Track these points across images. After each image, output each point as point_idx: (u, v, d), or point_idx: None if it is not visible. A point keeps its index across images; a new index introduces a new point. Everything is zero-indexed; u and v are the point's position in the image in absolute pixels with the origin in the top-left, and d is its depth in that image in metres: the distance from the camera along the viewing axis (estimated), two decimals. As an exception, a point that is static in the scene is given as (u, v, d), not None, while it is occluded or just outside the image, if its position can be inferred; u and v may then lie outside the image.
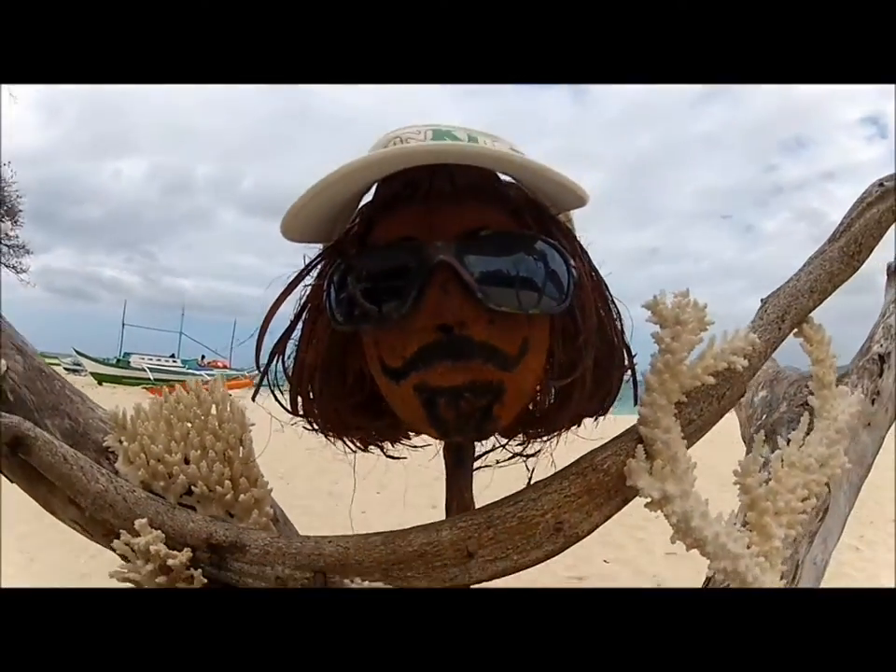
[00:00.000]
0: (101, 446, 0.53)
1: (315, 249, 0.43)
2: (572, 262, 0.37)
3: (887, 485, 4.32)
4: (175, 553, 0.41)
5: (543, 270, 0.37)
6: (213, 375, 0.66)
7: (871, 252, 0.63)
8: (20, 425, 0.46)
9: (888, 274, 0.89)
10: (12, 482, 0.57)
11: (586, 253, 0.42)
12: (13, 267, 12.36)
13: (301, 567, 0.37)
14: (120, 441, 0.51)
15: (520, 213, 0.38)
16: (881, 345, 0.76)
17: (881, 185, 0.68)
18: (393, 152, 0.32)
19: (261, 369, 0.43)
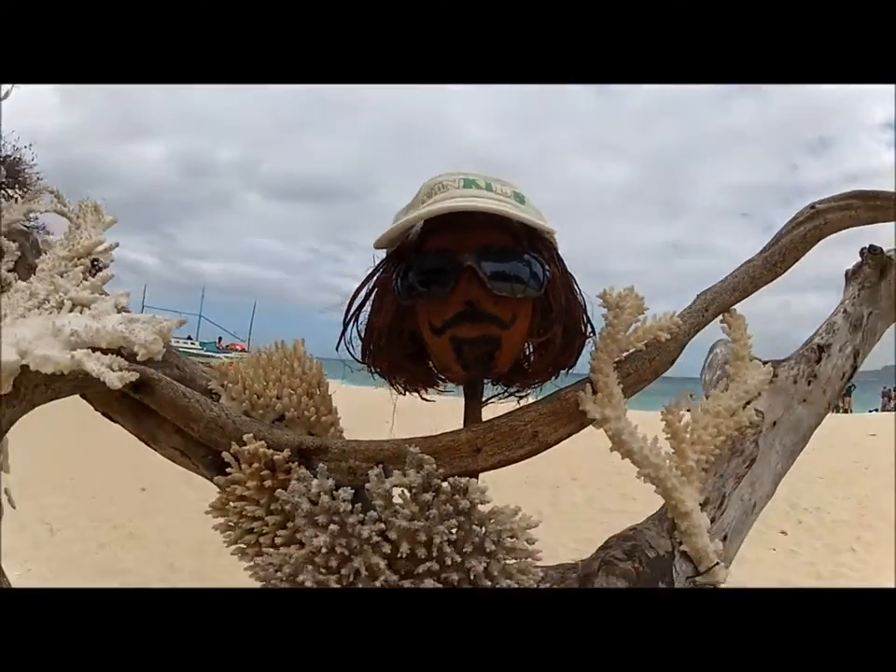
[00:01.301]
0: (206, 389, 0.76)
1: (381, 254, 0.68)
2: (547, 267, 0.63)
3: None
4: (277, 452, 0.65)
5: (528, 271, 0.62)
6: (231, 358, 0.88)
7: (794, 262, 0.86)
8: (145, 370, 0.68)
9: (846, 278, 1.11)
10: (115, 421, 0.80)
11: (562, 261, 0.67)
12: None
13: (368, 459, 0.61)
14: (223, 385, 0.75)
15: (517, 235, 0.63)
16: (822, 338, 0.98)
17: (812, 207, 0.91)
18: (442, 207, 0.58)
19: (344, 334, 0.69)
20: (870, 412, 13.86)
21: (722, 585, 0.72)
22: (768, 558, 4.08)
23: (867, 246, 1.07)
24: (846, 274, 1.09)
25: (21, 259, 0.90)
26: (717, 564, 0.69)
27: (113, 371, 0.56)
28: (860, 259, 1.08)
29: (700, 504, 0.71)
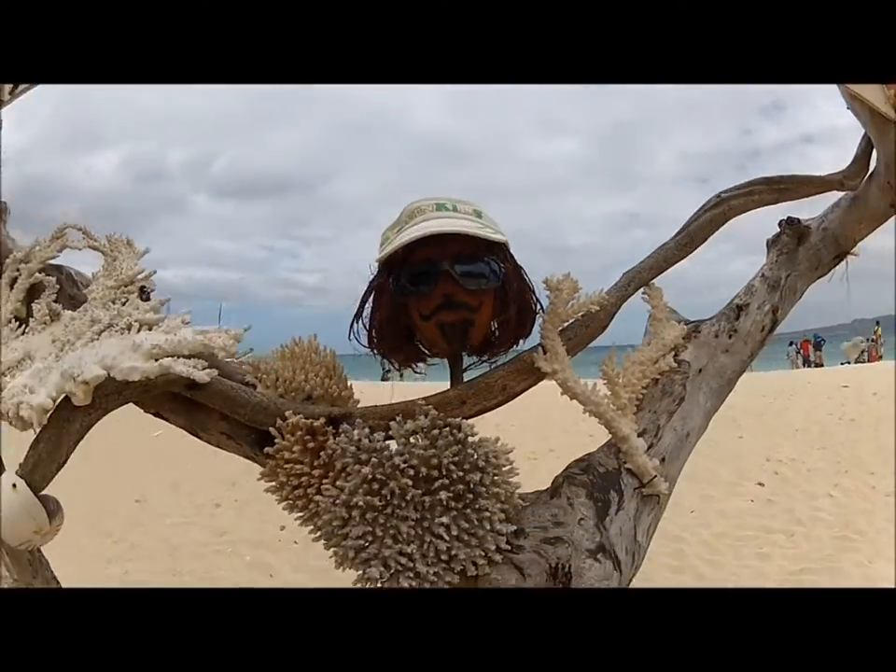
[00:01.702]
0: (244, 381, 0.97)
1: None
2: (502, 265, 0.87)
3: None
4: (315, 420, 0.87)
5: (488, 269, 0.86)
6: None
7: (702, 243, 1.09)
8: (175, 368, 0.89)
9: (766, 246, 1.35)
10: (165, 419, 1.01)
11: (513, 257, 0.91)
12: None
13: (383, 417, 0.83)
14: (257, 378, 0.96)
15: (478, 243, 0.85)
16: (741, 299, 1.21)
17: (718, 196, 1.15)
18: (425, 232, 0.80)
19: (353, 330, 0.92)
20: (841, 364, 14.45)
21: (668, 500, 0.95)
22: (747, 508, 4.39)
23: (785, 218, 1.27)
24: (766, 243, 1.29)
25: (60, 290, 1.09)
26: (655, 477, 0.93)
27: (198, 370, 0.77)
28: (779, 229, 1.27)
29: (639, 434, 0.95)
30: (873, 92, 0.99)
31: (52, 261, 1.11)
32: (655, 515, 0.98)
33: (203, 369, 0.81)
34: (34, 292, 1.07)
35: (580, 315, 0.87)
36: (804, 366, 15.24)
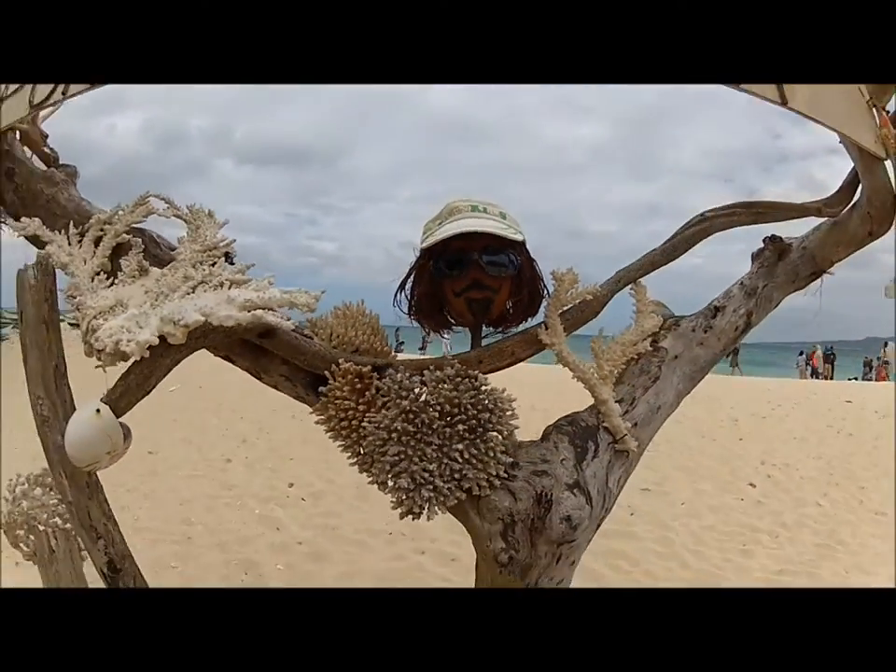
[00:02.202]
0: (303, 334, 1.24)
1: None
2: (519, 257, 1.13)
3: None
4: (362, 366, 1.14)
5: (507, 260, 1.12)
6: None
7: (684, 252, 1.33)
8: (272, 323, 1.17)
9: (751, 259, 1.58)
10: (233, 362, 1.28)
11: (528, 251, 1.17)
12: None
13: (419, 368, 1.10)
14: (314, 332, 1.23)
15: (502, 240, 1.11)
16: (720, 301, 1.45)
17: (702, 215, 1.39)
18: (462, 229, 1.07)
19: (397, 299, 1.18)
20: (849, 379, 14.63)
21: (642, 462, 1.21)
22: (737, 506, 4.57)
23: (769, 235, 1.49)
24: (752, 256, 1.52)
25: (145, 250, 1.34)
26: (626, 435, 1.19)
27: (284, 320, 1.04)
28: (762, 245, 1.49)
29: (617, 401, 1.21)
30: (863, 133, 1.14)
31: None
32: (626, 470, 1.24)
33: (284, 316, 1.08)
34: (119, 250, 1.29)
35: (577, 301, 1.13)
36: (812, 377, 15.48)
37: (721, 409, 7.32)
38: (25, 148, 1.50)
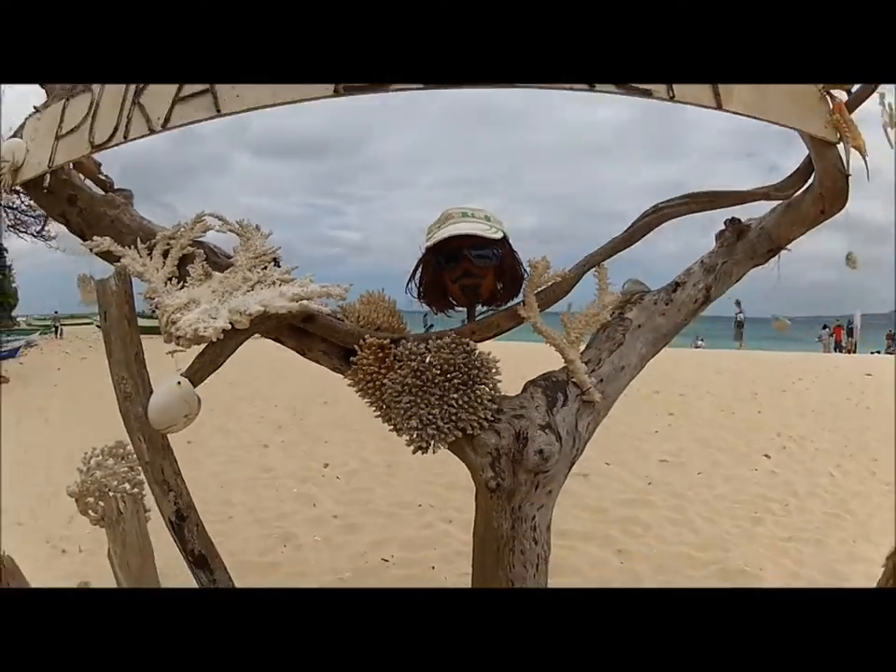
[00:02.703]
0: (335, 317, 1.60)
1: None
2: (500, 250, 1.48)
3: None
4: (383, 340, 1.49)
5: (491, 252, 1.47)
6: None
7: (641, 238, 1.65)
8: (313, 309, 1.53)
9: (715, 239, 1.86)
10: (281, 343, 1.65)
11: (510, 243, 1.52)
12: (41, 235, 12.96)
13: (425, 339, 1.46)
14: (345, 315, 1.60)
15: (486, 238, 1.46)
16: (680, 278, 1.76)
17: (656, 207, 1.71)
18: (453, 231, 1.42)
19: (408, 288, 1.55)
20: (871, 353, 14.72)
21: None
22: (750, 477, 4.77)
23: (729, 218, 1.75)
24: (715, 236, 1.78)
25: (206, 259, 1.67)
26: (590, 388, 1.52)
27: (323, 307, 1.40)
28: (724, 226, 1.74)
29: (585, 362, 1.55)
30: (812, 120, 1.24)
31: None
32: (594, 418, 1.56)
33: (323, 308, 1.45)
34: (184, 260, 1.63)
35: (549, 283, 1.48)
36: (835, 351, 15.55)
37: (742, 383, 7.47)
38: (80, 175, 1.76)
